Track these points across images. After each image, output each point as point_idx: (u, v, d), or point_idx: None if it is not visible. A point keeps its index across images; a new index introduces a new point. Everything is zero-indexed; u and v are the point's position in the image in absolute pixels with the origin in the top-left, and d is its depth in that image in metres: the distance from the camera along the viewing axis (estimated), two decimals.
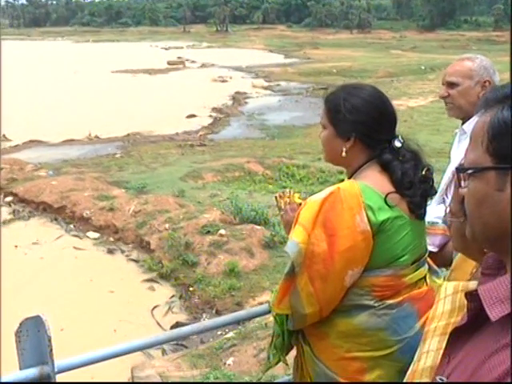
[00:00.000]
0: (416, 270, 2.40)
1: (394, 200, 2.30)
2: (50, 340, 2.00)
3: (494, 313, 1.08)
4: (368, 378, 2.28)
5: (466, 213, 1.23)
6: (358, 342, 2.33)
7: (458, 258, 1.97)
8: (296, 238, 2.26)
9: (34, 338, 2.02)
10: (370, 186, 2.28)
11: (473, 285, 1.71)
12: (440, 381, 1.19)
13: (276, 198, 2.76)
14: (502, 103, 1.16)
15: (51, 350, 2.02)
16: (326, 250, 2.23)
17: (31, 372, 2.03)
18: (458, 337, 1.24)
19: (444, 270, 2.80)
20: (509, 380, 1.00)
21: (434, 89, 26.55)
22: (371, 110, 2.40)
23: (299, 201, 2.65)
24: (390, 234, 2.29)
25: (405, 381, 1.83)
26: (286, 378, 2.96)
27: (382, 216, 2.26)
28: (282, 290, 2.33)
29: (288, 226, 2.58)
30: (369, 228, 2.24)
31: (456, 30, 58.95)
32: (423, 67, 33.90)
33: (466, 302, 1.69)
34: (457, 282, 1.80)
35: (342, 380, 2.34)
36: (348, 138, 2.38)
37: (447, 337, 1.70)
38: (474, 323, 1.19)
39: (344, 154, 2.39)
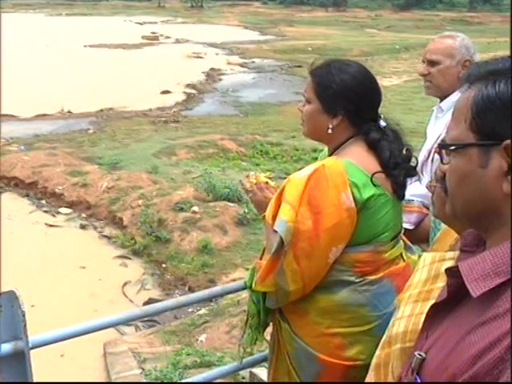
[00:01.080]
0: (394, 247, 2.43)
1: (379, 179, 2.31)
2: (24, 315, 1.99)
3: (476, 289, 1.09)
4: (348, 353, 2.30)
5: (447, 189, 1.23)
6: (339, 318, 2.35)
7: (441, 232, 1.99)
8: (284, 216, 2.25)
9: (7, 313, 2.01)
10: (354, 163, 2.29)
11: (449, 255, 1.73)
12: (419, 356, 1.20)
13: (241, 182, 2.73)
14: (486, 80, 1.15)
15: (25, 325, 2.01)
16: (311, 228, 2.24)
17: (5, 348, 2.02)
18: (436, 313, 1.25)
19: (418, 247, 2.84)
20: (491, 353, 1.01)
21: (408, 68, 26.60)
22: (360, 87, 2.39)
23: (265, 179, 2.62)
24: (373, 211, 2.30)
25: (380, 348, 1.85)
26: (260, 355, 2.97)
27: (367, 193, 2.28)
28: (266, 267, 2.32)
29: (259, 206, 2.58)
30: (353, 205, 2.26)
31: (431, 10, 58.94)
32: (397, 47, 33.90)
33: (441, 271, 1.72)
34: (435, 252, 1.82)
35: (322, 356, 2.36)
36: (335, 115, 2.36)
37: (420, 304, 1.73)
38: (453, 299, 1.19)
39: (330, 130, 2.37)
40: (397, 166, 2.36)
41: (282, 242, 2.27)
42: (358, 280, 2.33)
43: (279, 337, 2.51)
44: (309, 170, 2.32)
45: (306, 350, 2.39)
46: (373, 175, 2.29)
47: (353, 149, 2.37)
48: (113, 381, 5.96)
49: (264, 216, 2.45)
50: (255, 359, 2.93)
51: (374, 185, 2.29)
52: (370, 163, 2.34)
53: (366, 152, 2.36)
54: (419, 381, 1.18)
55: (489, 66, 1.19)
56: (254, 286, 2.41)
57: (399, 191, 2.39)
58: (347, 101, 2.36)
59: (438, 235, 2.01)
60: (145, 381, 5.72)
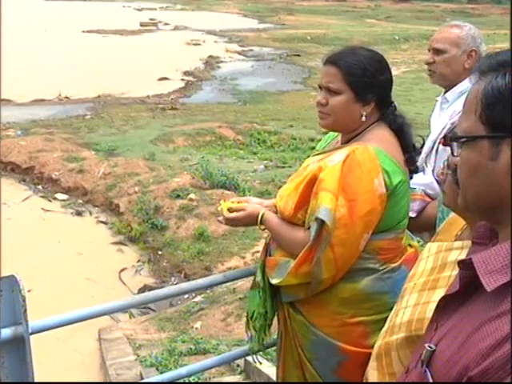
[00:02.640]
0: (405, 233, 2.45)
1: (402, 164, 2.34)
2: (24, 300, 1.99)
3: (490, 283, 1.08)
4: (371, 341, 2.26)
5: (458, 182, 1.23)
6: (362, 307, 2.34)
7: (445, 222, 1.99)
8: (328, 204, 2.22)
9: (8, 297, 2.00)
10: (382, 149, 2.28)
11: (457, 244, 1.73)
12: (429, 348, 1.19)
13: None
14: (496, 71, 1.14)
15: (25, 310, 2.01)
16: (347, 215, 2.22)
17: (5, 332, 2.01)
18: (446, 305, 1.23)
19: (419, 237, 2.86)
20: (505, 347, 1.01)
21: (407, 59, 26.56)
22: (386, 71, 2.40)
23: (231, 205, 2.57)
24: (399, 198, 2.32)
25: (380, 337, 1.85)
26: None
27: (396, 179, 2.28)
28: (302, 258, 2.29)
29: (248, 222, 2.57)
30: (385, 191, 2.25)
31: (431, 1, 58.68)
32: (397, 37, 33.78)
33: (448, 260, 1.71)
34: (441, 242, 1.81)
35: (345, 346, 2.35)
36: (368, 102, 2.35)
37: (426, 292, 1.72)
38: (465, 292, 1.18)
39: (364, 118, 2.35)
40: (416, 150, 2.40)
41: (320, 230, 2.24)
42: (381, 268, 2.34)
43: (288, 329, 2.49)
44: (340, 156, 2.29)
45: (326, 341, 2.37)
46: (402, 160, 2.33)
47: (377, 133, 2.36)
48: (108, 367, 5.97)
49: (261, 224, 2.46)
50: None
51: (400, 169, 2.31)
52: (395, 148, 2.35)
53: (390, 136, 2.37)
54: (428, 373, 1.18)
55: (499, 57, 1.17)
56: (283, 278, 2.36)
57: (411, 176, 2.42)
58: (378, 87, 2.35)
59: (443, 225, 2.01)
60: (145, 380, 5.73)
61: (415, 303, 1.72)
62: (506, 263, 1.08)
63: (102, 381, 6.10)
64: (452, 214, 1.91)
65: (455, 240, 1.82)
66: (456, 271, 1.68)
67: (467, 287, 1.17)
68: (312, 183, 2.30)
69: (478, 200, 1.18)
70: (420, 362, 1.22)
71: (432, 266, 1.76)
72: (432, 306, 1.65)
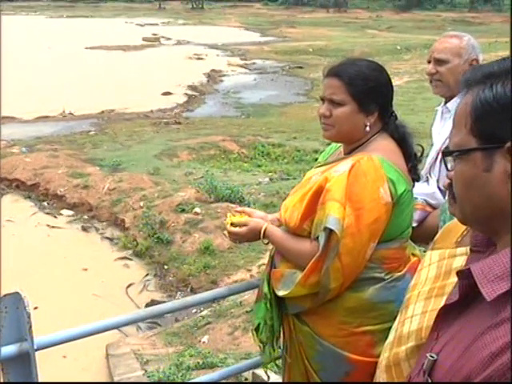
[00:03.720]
0: (408, 242, 2.45)
1: (406, 174, 2.36)
2: (29, 317, 1.99)
3: (490, 292, 1.08)
4: (378, 350, 2.26)
5: (454, 196, 1.23)
6: (368, 316, 2.34)
7: (442, 230, 1.99)
8: (336, 214, 2.23)
9: (12, 314, 2.01)
10: (386, 159, 2.29)
11: (460, 251, 1.72)
12: (431, 358, 1.19)
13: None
14: (483, 83, 1.15)
15: (30, 326, 2.01)
16: (354, 224, 2.23)
17: (10, 349, 2.02)
18: (446, 314, 1.24)
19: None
20: (506, 355, 1.01)
21: (410, 69, 26.59)
22: (387, 81, 2.42)
23: (234, 219, 2.59)
24: (404, 206, 2.33)
25: (387, 349, 1.83)
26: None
27: (401, 188, 2.30)
28: (311, 268, 2.30)
29: (251, 238, 2.58)
30: (390, 200, 2.27)
31: (432, 11, 58.88)
32: (399, 47, 33.89)
33: (453, 266, 1.71)
34: (443, 249, 1.81)
35: (352, 356, 2.35)
36: (371, 112, 2.37)
37: (433, 299, 1.71)
38: (464, 301, 1.19)
39: (368, 128, 2.37)
40: (417, 159, 2.42)
41: (328, 240, 2.25)
42: (387, 277, 2.34)
43: (293, 341, 2.49)
44: (345, 167, 2.30)
45: (332, 351, 2.37)
46: (406, 170, 2.34)
47: (381, 143, 2.38)
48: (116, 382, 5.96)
49: (264, 238, 2.48)
50: (258, 361, 2.91)
51: (404, 179, 2.32)
52: (398, 157, 2.36)
53: (393, 146, 2.39)
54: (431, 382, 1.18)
55: (484, 70, 1.18)
56: (290, 290, 2.37)
57: (413, 185, 2.43)
58: (380, 96, 2.37)
59: (441, 232, 2.00)
60: (147, 381, 5.72)
61: (423, 311, 1.72)
62: (504, 272, 1.08)
63: None
64: (450, 221, 1.91)
65: (456, 247, 1.81)
66: None
67: (467, 296, 1.18)
68: (318, 194, 2.31)
69: (475, 212, 1.19)
70: (422, 372, 1.21)
71: (436, 274, 1.75)
72: None
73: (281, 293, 2.41)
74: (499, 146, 1.09)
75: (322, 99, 2.44)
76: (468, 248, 1.70)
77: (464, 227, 1.76)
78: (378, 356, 2.20)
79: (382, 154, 2.32)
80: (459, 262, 1.70)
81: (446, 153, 1.23)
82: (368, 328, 2.35)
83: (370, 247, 2.28)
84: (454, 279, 1.67)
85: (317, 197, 2.32)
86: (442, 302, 1.67)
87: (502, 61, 1.18)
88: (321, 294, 2.33)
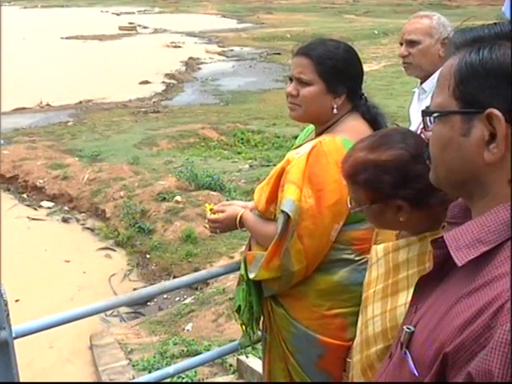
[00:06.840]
0: None
1: None
2: (6, 304, 1.98)
3: (461, 258, 1.08)
4: (349, 334, 2.28)
5: (430, 157, 1.22)
6: (340, 299, 2.34)
7: None
8: (291, 196, 2.23)
9: None
10: (350, 140, 2.25)
11: (402, 243, 1.73)
12: (408, 330, 1.19)
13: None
14: (470, 46, 1.13)
15: (8, 314, 1.99)
16: (314, 206, 2.23)
17: None
18: (424, 286, 1.24)
19: None
20: (479, 321, 1.00)
21: (387, 53, 26.61)
22: (357, 61, 2.40)
23: (213, 206, 2.65)
24: None
25: (357, 352, 1.84)
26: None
27: None
28: (271, 251, 2.31)
29: (228, 225, 2.59)
30: None
31: None
32: (376, 32, 33.87)
33: (399, 260, 1.72)
34: (386, 243, 1.81)
35: (324, 338, 2.35)
36: (339, 93, 2.34)
37: (389, 299, 1.72)
38: (441, 271, 1.18)
39: (335, 110, 2.34)
40: None
41: (286, 223, 2.25)
42: (357, 258, 2.33)
43: (272, 323, 2.50)
44: (306, 148, 2.30)
45: (305, 334, 2.37)
46: None
47: (349, 124, 2.36)
48: (101, 372, 5.95)
49: (240, 223, 2.49)
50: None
51: None
52: None
53: (363, 126, 2.36)
54: (408, 354, 1.18)
55: (473, 33, 1.17)
56: (256, 273, 2.39)
57: None
58: (348, 77, 2.35)
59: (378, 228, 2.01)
60: (139, 380, 5.71)
61: (382, 311, 1.72)
62: (476, 238, 1.08)
63: None
64: None
65: (397, 239, 1.81)
66: (412, 270, 1.70)
67: (442, 266, 1.17)
68: (280, 176, 2.31)
69: (449, 175, 1.18)
70: (400, 344, 1.22)
71: (385, 270, 1.76)
72: (400, 311, 1.65)
73: (251, 275, 2.42)
74: (479, 111, 1.08)
75: (291, 78, 2.42)
76: (410, 239, 1.71)
77: None
78: (350, 340, 2.22)
79: (348, 134, 2.29)
80: (404, 255, 1.71)
81: (425, 112, 1.21)
82: (340, 311, 2.35)
83: (335, 229, 2.27)
84: (405, 273, 1.69)
85: (280, 179, 2.32)
86: (398, 300, 1.69)
87: (493, 25, 1.16)
88: (284, 277, 2.33)
